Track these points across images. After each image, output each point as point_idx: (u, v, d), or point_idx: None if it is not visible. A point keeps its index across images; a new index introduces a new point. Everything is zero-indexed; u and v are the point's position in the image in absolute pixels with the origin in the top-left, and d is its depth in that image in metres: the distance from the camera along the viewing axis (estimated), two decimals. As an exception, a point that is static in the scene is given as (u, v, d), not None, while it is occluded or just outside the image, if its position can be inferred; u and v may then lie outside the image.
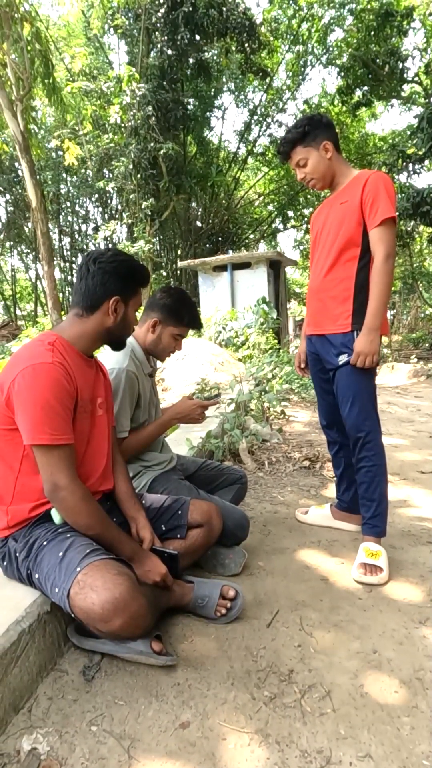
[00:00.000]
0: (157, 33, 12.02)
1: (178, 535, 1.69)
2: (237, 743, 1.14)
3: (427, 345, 12.33)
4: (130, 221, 14.01)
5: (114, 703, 1.26)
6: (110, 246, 16.39)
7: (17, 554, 1.40)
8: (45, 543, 1.37)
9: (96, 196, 17.44)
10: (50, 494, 1.36)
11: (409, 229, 13.22)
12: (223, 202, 17.66)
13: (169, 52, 12.17)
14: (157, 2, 11.33)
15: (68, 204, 18.36)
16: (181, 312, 1.95)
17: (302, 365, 2.33)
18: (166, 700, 1.27)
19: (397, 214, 1.89)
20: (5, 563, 1.45)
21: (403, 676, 1.36)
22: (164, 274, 17.83)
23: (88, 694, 1.30)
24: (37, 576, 1.35)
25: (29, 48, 6.67)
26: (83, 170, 15.91)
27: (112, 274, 1.49)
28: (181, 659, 1.42)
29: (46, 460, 1.34)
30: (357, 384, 1.97)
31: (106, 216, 18.20)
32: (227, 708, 1.24)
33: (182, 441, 2.96)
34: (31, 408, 1.32)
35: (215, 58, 13.80)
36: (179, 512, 1.71)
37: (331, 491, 2.84)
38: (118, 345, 1.65)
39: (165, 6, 11.29)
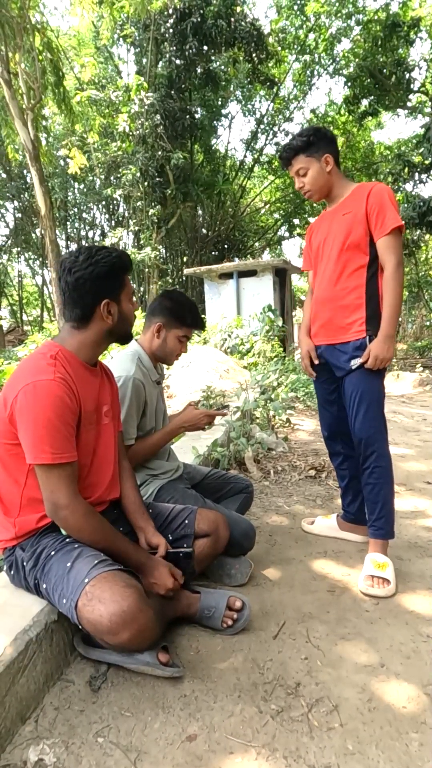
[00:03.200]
0: (165, 43, 12.18)
1: (185, 545, 1.68)
2: (244, 757, 1.13)
3: (432, 354, 12.29)
4: (136, 228, 14.09)
5: (120, 714, 1.26)
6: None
7: (24, 563, 1.40)
8: (53, 553, 1.37)
9: (103, 203, 17.56)
10: (51, 514, 1.36)
11: (415, 238, 13.23)
12: (230, 210, 17.75)
13: (178, 61, 12.32)
14: (165, 13, 11.48)
15: (76, 211, 18.53)
16: (184, 313, 1.96)
17: (313, 362, 2.22)
18: (172, 712, 1.27)
19: (403, 223, 1.90)
20: (12, 572, 1.45)
21: (411, 691, 1.34)
22: (170, 281, 17.90)
23: (94, 704, 1.29)
24: (44, 586, 1.35)
25: (40, 58, 6.75)
26: (91, 178, 16.05)
27: (93, 280, 1.42)
28: (188, 670, 1.42)
29: (46, 479, 1.33)
30: (366, 386, 1.98)
31: (112, 223, 18.33)
32: (234, 721, 1.24)
33: (188, 449, 2.96)
34: (32, 426, 1.31)
35: (223, 67, 13.93)
36: (186, 521, 1.71)
37: (337, 501, 2.83)
38: (124, 340, 1.60)
39: (174, 17, 11.45)
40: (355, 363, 1.99)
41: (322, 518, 2.43)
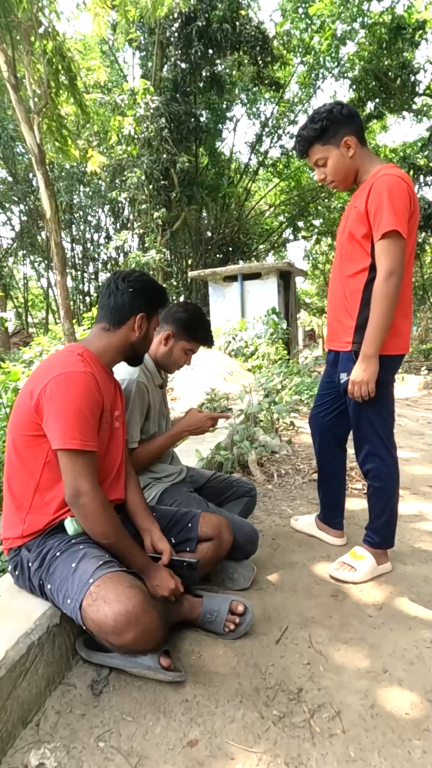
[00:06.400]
0: (171, 47, 12.23)
1: (188, 548, 1.69)
2: (246, 763, 1.13)
3: (437, 357, 12.24)
4: (141, 231, 14.14)
5: (122, 718, 1.26)
6: (121, 256, 16.57)
7: (30, 564, 1.41)
8: (58, 554, 1.38)
9: (108, 206, 17.61)
10: (71, 500, 1.38)
11: (420, 240, 13.21)
12: (234, 212, 17.77)
13: (183, 65, 12.38)
14: (171, 17, 11.53)
15: (81, 214, 18.58)
16: (195, 328, 1.97)
17: None
18: (174, 716, 1.26)
19: (396, 227, 1.68)
20: (17, 573, 1.46)
21: (414, 697, 1.34)
22: (175, 283, 17.92)
23: (95, 708, 1.29)
24: (49, 587, 1.36)
25: (53, 61, 6.78)
26: (96, 181, 16.11)
27: (140, 293, 1.59)
28: (190, 675, 1.41)
29: (71, 466, 1.37)
30: (360, 406, 1.88)
31: (117, 226, 18.38)
32: (236, 726, 1.23)
33: (191, 452, 2.96)
34: (63, 414, 1.36)
35: (228, 71, 13.97)
36: (189, 525, 1.71)
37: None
38: (136, 360, 1.71)
39: (179, 21, 11.49)
40: (343, 378, 1.90)
41: (307, 515, 2.47)
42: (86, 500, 1.36)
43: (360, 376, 1.77)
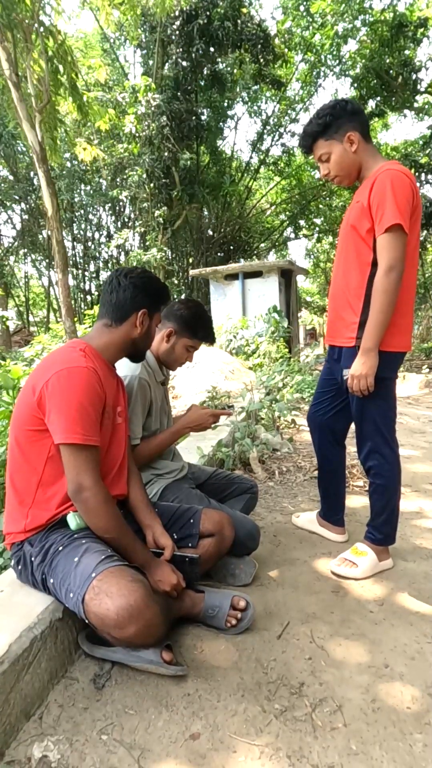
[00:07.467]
0: (172, 45, 12.21)
1: (190, 544, 1.70)
2: (247, 756, 1.14)
3: (439, 355, 12.22)
4: (142, 229, 14.14)
5: (124, 712, 1.26)
6: (122, 254, 16.58)
7: (32, 558, 1.42)
8: (60, 548, 1.38)
9: (109, 204, 17.61)
10: (74, 494, 1.39)
11: (421, 238, 13.19)
12: (235, 211, 17.76)
13: (184, 63, 12.36)
14: (172, 15, 11.50)
15: (82, 212, 18.57)
16: (197, 325, 1.97)
17: None
18: (176, 710, 1.27)
19: (399, 221, 1.68)
20: (20, 567, 1.46)
21: (415, 691, 1.34)
22: (176, 282, 17.92)
23: (98, 702, 1.30)
24: (51, 581, 1.37)
25: (55, 59, 6.77)
26: (97, 179, 16.10)
27: (142, 290, 1.60)
28: (191, 669, 1.42)
29: (73, 460, 1.38)
30: (362, 403, 1.89)
31: (119, 224, 18.37)
32: (237, 720, 1.24)
33: (193, 449, 2.97)
34: (65, 408, 1.37)
35: (229, 69, 13.93)
36: (191, 521, 1.72)
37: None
38: (138, 357, 1.72)
39: (180, 19, 11.47)
40: (346, 374, 1.88)
41: (309, 512, 2.48)
42: (88, 495, 1.37)
43: (359, 369, 1.77)
